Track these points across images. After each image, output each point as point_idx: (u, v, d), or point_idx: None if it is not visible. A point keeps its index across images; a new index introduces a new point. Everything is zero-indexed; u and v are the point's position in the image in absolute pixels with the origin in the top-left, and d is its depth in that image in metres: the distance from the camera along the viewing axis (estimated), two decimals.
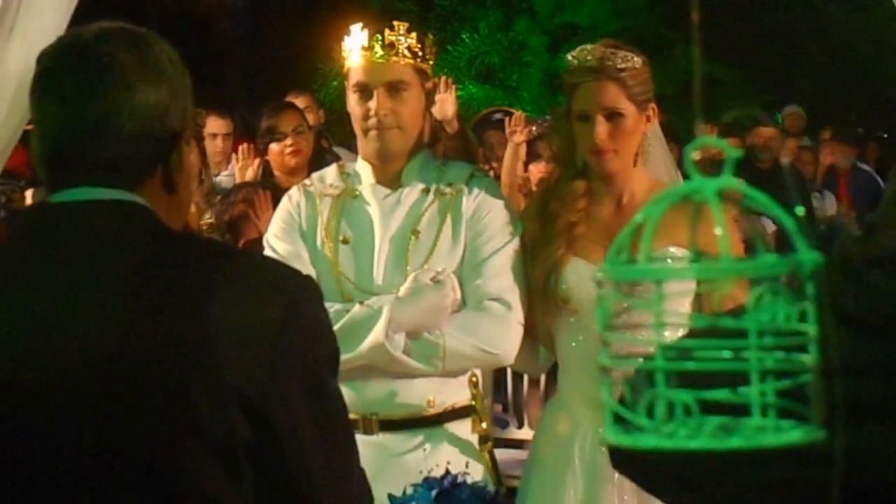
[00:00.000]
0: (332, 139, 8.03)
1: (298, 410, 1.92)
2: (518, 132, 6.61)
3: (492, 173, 6.63)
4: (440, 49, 15.42)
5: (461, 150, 6.93)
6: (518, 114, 7.25)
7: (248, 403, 1.85)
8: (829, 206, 9.91)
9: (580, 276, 3.45)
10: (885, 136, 11.54)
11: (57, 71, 1.98)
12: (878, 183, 10.82)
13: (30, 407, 1.86)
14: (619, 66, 3.43)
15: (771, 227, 8.24)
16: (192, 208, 6.67)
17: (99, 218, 1.94)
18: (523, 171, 6.88)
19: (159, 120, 1.96)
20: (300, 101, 7.07)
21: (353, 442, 2.13)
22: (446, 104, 7.14)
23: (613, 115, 3.42)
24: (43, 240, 1.96)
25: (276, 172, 6.05)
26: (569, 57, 3.53)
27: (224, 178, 7.39)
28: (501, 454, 3.80)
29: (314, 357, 1.98)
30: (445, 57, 15.39)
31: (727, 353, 1.05)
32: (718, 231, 0.99)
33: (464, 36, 15.55)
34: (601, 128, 3.40)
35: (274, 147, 6.03)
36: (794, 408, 1.04)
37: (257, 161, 6.62)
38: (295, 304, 1.93)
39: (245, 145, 6.81)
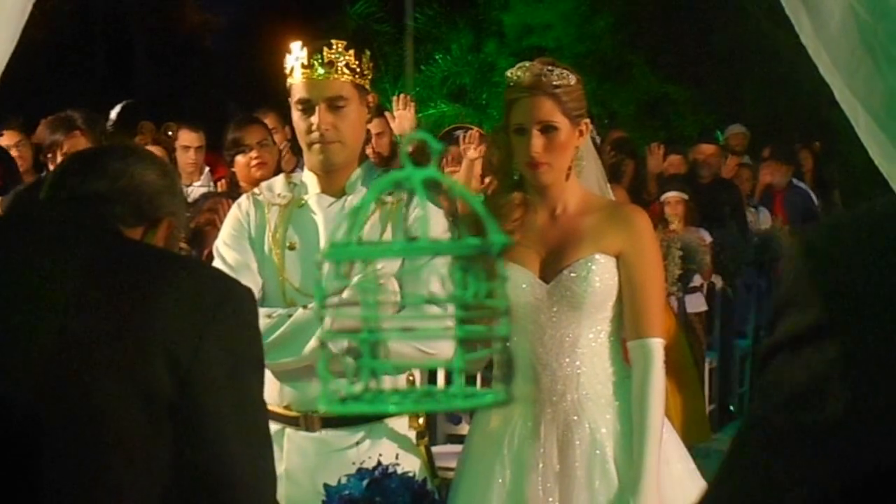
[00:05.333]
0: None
1: (219, 388, 2.06)
2: (472, 148, 6.63)
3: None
4: (414, 69, 15.53)
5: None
6: (472, 131, 7.27)
7: (174, 365, 2.00)
8: (763, 220, 10.00)
9: (516, 280, 3.47)
10: (818, 143, 11.61)
11: (89, 150, 2.47)
12: (812, 200, 10.94)
13: None
14: (554, 83, 3.45)
15: (708, 238, 8.32)
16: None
17: (73, 210, 2.20)
18: (480, 184, 6.91)
19: (148, 196, 2.26)
20: (268, 121, 7.11)
21: (269, 440, 2.22)
22: (405, 120, 7.18)
23: (548, 129, 3.43)
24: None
25: (242, 183, 6.06)
26: (508, 74, 3.55)
27: (196, 189, 7.42)
28: (456, 448, 3.81)
29: (240, 353, 2.13)
30: (419, 77, 15.44)
31: (433, 326, 1.10)
32: (420, 213, 1.06)
33: (437, 57, 15.60)
34: (537, 140, 3.42)
35: (240, 159, 6.04)
36: (488, 375, 1.09)
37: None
38: (227, 302, 2.11)
39: None
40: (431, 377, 5.69)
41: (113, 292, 2.04)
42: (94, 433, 1.98)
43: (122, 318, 2.02)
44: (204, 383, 2.01)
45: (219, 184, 7.09)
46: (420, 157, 1.10)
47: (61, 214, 2.17)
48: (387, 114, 7.32)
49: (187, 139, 7.71)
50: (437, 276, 3.54)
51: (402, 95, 7.37)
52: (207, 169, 7.80)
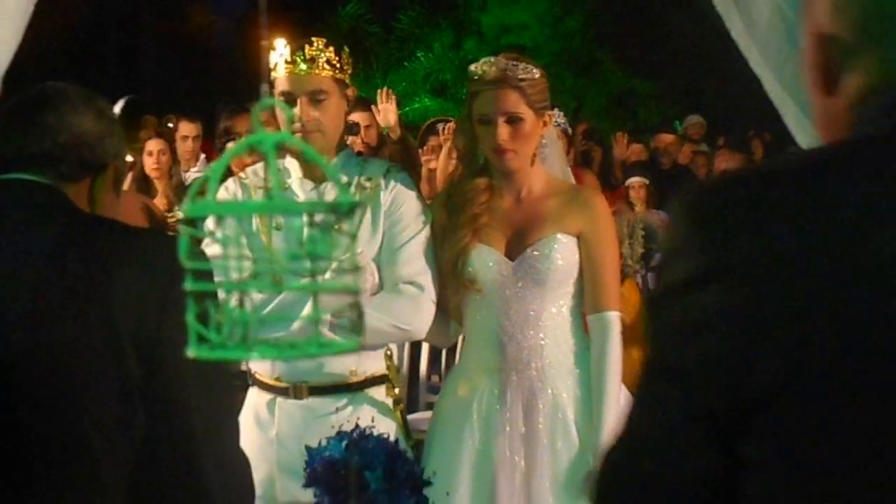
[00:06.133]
0: None
1: (181, 357, 1.97)
2: (450, 139, 6.64)
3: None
4: (399, 66, 15.52)
5: (403, 153, 6.94)
6: (451, 123, 7.27)
7: (138, 345, 1.96)
8: None
9: (484, 260, 3.48)
10: (768, 134, 11.62)
11: (21, 102, 2.21)
12: None
13: None
14: (519, 77, 3.44)
15: (667, 220, 8.35)
16: (164, 201, 6.70)
17: (26, 194, 2.11)
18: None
19: (89, 146, 2.17)
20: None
21: (232, 399, 2.19)
22: (388, 113, 7.16)
23: (514, 119, 3.42)
24: None
25: (234, 169, 6.04)
26: (472, 68, 3.54)
27: (193, 174, 7.43)
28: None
29: None
30: (403, 72, 15.44)
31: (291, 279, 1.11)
32: (272, 176, 1.07)
33: (419, 55, 15.58)
34: (503, 129, 3.41)
35: (230, 146, 6.03)
36: (344, 324, 1.11)
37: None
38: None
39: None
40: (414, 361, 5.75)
41: (76, 269, 1.99)
42: (69, 402, 1.95)
43: (87, 293, 1.97)
44: (168, 346, 1.97)
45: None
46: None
47: (20, 199, 2.11)
48: (373, 107, 7.30)
49: (186, 129, 7.74)
50: (411, 258, 3.56)
51: (384, 90, 7.35)
52: (203, 156, 7.84)
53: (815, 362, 1.33)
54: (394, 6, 16.03)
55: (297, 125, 3.42)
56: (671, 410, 1.43)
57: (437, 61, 15.41)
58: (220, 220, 1.12)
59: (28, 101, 2.16)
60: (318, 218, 1.07)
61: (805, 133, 2.43)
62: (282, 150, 3.62)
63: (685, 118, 11.75)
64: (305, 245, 1.05)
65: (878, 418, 1.32)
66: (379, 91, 7.39)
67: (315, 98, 3.43)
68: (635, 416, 1.51)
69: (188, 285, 1.10)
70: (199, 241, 1.17)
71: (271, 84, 3.49)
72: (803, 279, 1.33)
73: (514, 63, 3.47)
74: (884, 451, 1.32)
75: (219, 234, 1.08)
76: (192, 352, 1.09)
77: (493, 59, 3.50)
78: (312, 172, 3.52)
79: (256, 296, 3.20)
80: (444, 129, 6.96)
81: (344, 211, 1.05)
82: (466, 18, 15.93)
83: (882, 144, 1.44)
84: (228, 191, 3.61)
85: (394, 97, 7.30)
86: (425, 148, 7.34)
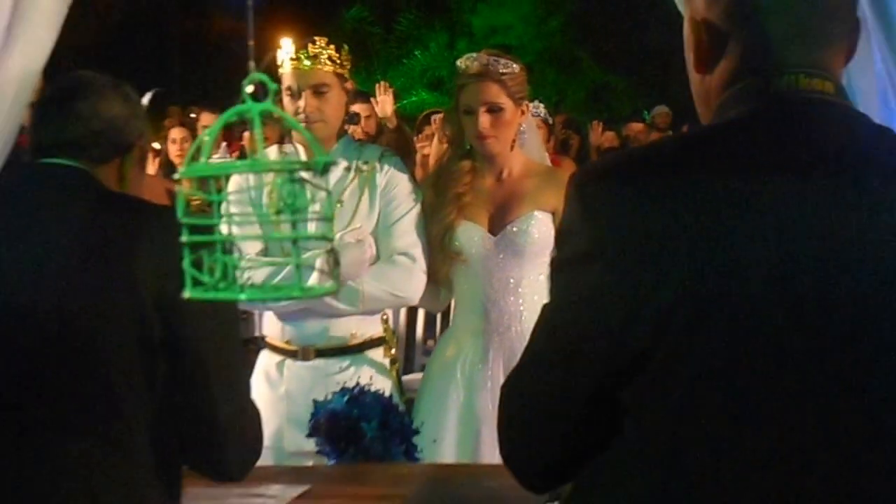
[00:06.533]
0: None
1: (199, 319, 2.00)
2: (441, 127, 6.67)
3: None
4: (398, 63, 15.50)
5: (398, 140, 6.95)
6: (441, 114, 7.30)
7: (160, 307, 1.97)
8: None
9: (469, 234, 3.51)
10: None
11: (55, 92, 2.22)
12: None
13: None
14: (501, 71, 3.45)
15: None
16: (187, 183, 6.72)
17: (60, 176, 2.12)
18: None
19: (118, 129, 2.17)
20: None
21: (244, 357, 2.21)
22: (385, 104, 7.17)
23: (494, 109, 3.43)
24: (20, 185, 2.15)
25: (250, 154, 6.07)
26: (458, 63, 3.55)
27: (215, 160, 7.41)
28: None
29: None
30: (402, 69, 15.42)
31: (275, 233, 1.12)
32: (257, 140, 1.09)
33: (417, 53, 15.55)
34: (484, 118, 3.43)
35: (247, 134, 6.06)
36: (323, 269, 1.14)
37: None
38: None
39: None
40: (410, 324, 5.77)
41: (103, 241, 2.01)
42: (99, 358, 1.96)
43: (114, 262, 1.99)
44: (187, 310, 1.96)
45: (233, 155, 7.09)
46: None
47: (55, 181, 2.12)
48: (372, 100, 7.30)
49: (207, 120, 7.73)
50: (405, 233, 3.57)
51: (381, 83, 7.36)
52: (224, 144, 7.83)
53: (679, 329, 1.36)
54: (393, 9, 16.01)
55: (302, 115, 3.44)
56: (556, 374, 1.49)
57: (432, 59, 15.36)
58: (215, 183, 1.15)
59: (61, 90, 2.18)
60: (299, 176, 1.10)
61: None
62: (287, 134, 3.64)
63: (653, 108, 11.75)
64: (285, 199, 1.08)
65: (732, 375, 1.36)
66: (377, 85, 7.39)
67: (318, 91, 3.45)
68: (530, 348, 1.55)
69: (184, 238, 1.12)
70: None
71: (278, 79, 3.50)
72: (670, 257, 1.36)
73: (496, 59, 3.48)
74: (736, 396, 1.36)
75: (206, 194, 1.11)
76: (188, 293, 1.11)
77: (475, 56, 3.51)
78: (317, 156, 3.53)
79: (252, 249, 3.27)
80: (436, 119, 6.97)
81: (317, 168, 1.08)
82: (459, 20, 15.91)
83: (737, 129, 1.46)
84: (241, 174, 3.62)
85: (391, 90, 7.31)
86: (420, 136, 7.35)
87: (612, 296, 1.39)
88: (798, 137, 1.42)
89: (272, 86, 1.12)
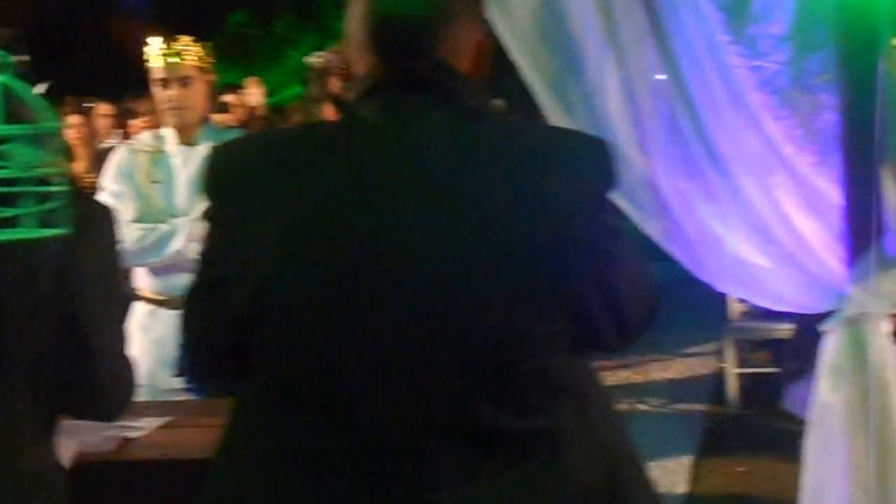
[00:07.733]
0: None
1: (90, 280, 1.88)
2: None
3: None
4: (275, 61, 15.32)
5: (266, 126, 6.92)
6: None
7: (55, 264, 1.81)
8: None
9: None
10: None
11: None
12: None
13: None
14: (342, 66, 3.51)
15: None
16: (84, 164, 6.58)
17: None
18: None
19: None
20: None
21: (122, 307, 2.14)
22: (253, 96, 7.18)
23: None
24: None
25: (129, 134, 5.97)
26: (308, 59, 3.61)
27: (109, 144, 7.28)
28: None
29: (104, 254, 1.93)
30: (279, 66, 15.29)
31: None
32: None
33: (291, 52, 15.45)
34: (328, 108, 3.49)
35: (133, 122, 5.98)
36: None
37: None
38: (94, 217, 1.91)
39: None
40: None
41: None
42: None
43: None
44: (78, 276, 1.84)
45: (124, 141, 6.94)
46: None
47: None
48: (239, 91, 7.29)
49: (103, 109, 7.58)
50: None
51: (251, 78, 7.35)
52: (121, 131, 7.69)
53: (271, 288, 1.41)
54: (272, 15, 15.88)
55: (171, 104, 3.46)
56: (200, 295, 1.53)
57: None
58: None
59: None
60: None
61: (552, 108, 2.51)
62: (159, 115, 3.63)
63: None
64: (12, 156, 1.13)
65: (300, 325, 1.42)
66: (247, 79, 7.37)
67: (183, 82, 3.46)
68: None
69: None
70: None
71: (148, 71, 3.50)
72: (264, 227, 1.41)
73: (339, 53, 3.53)
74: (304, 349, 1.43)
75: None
76: None
77: (322, 53, 3.56)
78: (184, 139, 3.55)
79: (127, 215, 3.29)
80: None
81: (45, 131, 1.13)
82: (328, 24, 15.85)
83: (336, 129, 1.48)
84: (120, 154, 3.61)
85: (261, 84, 7.29)
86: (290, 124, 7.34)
87: (224, 258, 1.46)
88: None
89: (7, 61, 1.15)
